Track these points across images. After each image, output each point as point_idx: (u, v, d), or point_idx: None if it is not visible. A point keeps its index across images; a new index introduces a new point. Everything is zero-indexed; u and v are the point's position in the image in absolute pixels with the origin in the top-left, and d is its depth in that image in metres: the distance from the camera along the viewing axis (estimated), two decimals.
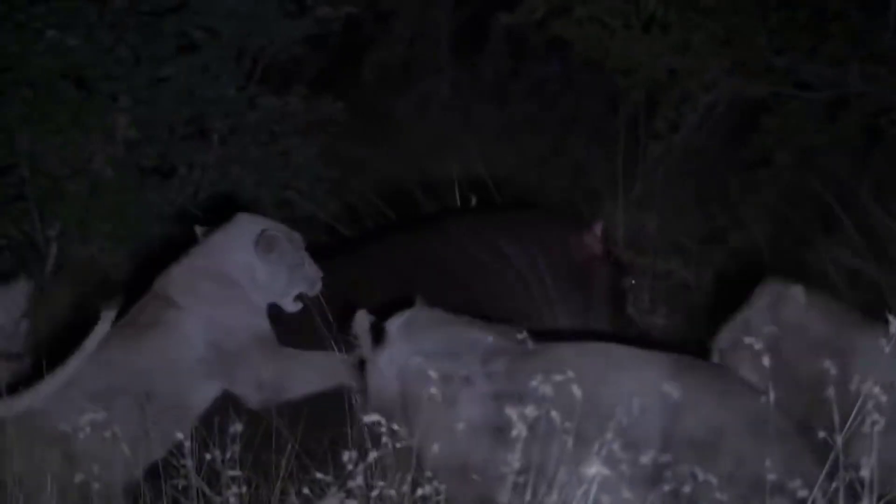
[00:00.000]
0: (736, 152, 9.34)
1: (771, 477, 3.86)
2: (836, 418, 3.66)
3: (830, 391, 3.59)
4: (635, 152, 9.09)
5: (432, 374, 4.20)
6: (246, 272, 5.54)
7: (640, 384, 4.33)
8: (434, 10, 11.79)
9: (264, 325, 5.56)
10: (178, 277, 5.53)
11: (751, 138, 9.20)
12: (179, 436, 4.48)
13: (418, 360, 4.55)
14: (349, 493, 4.06)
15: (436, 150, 9.82)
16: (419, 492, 4.05)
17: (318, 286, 5.66)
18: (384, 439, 4.08)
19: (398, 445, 4.10)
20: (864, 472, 3.55)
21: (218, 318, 5.45)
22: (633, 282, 6.64)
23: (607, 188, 8.75)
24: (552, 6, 9.38)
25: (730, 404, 4.30)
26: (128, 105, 8.02)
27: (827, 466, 3.84)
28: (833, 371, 3.57)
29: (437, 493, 4.05)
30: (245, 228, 5.62)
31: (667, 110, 9.34)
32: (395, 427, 4.10)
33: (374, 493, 4.05)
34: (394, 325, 4.86)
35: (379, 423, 4.09)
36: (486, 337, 4.71)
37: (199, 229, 5.73)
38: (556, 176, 9.61)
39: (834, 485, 3.72)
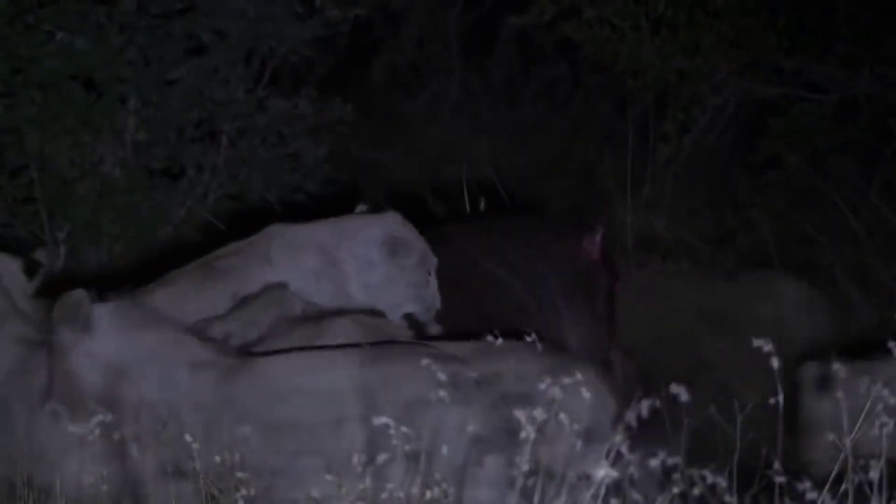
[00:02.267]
0: (745, 154, 9.35)
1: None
2: (845, 420, 3.66)
3: (840, 393, 3.59)
4: (645, 154, 9.11)
5: (441, 377, 4.12)
6: (358, 264, 5.46)
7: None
8: (443, 12, 11.78)
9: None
10: (286, 237, 5.45)
11: (760, 140, 9.21)
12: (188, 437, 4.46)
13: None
14: (358, 496, 4.04)
15: (445, 152, 9.82)
16: (428, 494, 4.03)
17: (432, 314, 5.54)
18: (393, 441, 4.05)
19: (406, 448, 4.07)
20: (873, 475, 3.54)
21: (305, 291, 5.29)
22: (618, 288, 6.64)
23: (617, 190, 8.76)
24: (561, 8, 9.41)
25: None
26: (137, 107, 8.03)
27: (836, 468, 3.84)
28: (842, 374, 3.56)
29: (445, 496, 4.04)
30: (384, 225, 5.56)
31: (676, 112, 9.36)
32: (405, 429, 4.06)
33: (384, 495, 4.04)
34: (103, 312, 4.41)
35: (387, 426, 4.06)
36: (196, 348, 4.44)
37: (359, 209, 5.70)
38: (565, 178, 9.62)
39: (843, 486, 3.71)
